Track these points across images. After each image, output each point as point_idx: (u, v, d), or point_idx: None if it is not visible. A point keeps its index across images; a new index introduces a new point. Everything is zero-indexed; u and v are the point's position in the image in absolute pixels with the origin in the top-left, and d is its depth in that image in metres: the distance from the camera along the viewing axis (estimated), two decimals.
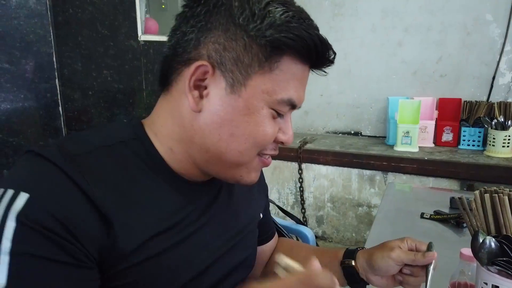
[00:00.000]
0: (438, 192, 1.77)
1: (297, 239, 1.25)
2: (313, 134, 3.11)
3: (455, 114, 2.60)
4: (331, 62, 0.60)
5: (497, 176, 2.13)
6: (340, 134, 3.07)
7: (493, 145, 2.34)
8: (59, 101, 1.45)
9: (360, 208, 2.58)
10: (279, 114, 0.59)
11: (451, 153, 2.44)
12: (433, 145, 2.63)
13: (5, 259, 0.45)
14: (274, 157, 0.66)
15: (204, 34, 0.55)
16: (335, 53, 0.59)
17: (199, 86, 0.57)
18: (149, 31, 1.89)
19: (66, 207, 0.49)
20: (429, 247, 0.71)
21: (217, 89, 0.56)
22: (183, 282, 0.61)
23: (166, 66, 0.60)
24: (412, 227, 1.24)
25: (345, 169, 2.56)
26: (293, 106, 0.60)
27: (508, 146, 2.31)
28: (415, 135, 2.48)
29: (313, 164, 2.65)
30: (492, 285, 0.66)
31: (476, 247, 0.68)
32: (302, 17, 0.55)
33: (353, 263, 0.76)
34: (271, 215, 0.97)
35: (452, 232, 1.19)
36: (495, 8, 2.48)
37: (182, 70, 0.58)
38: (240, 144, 0.58)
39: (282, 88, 0.57)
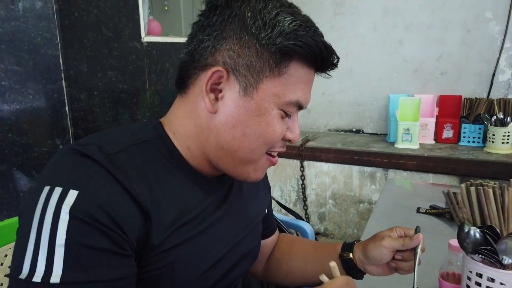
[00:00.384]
0: (436, 187, 1.80)
1: (297, 234, 1.29)
2: (315, 132, 3.14)
3: (455, 111, 2.61)
4: (335, 66, 0.65)
5: (496, 172, 2.15)
6: (342, 132, 3.10)
7: (492, 142, 2.36)
8: (66, 101, 1.50)
9: (361, 205, 2.61)
10: (287, 114, 0.64)
11: (451, 149, 2.46)
12: (433, 142, 2.65)
13: (61, 251, 0.50)
14: None
15: (219, 42, 0.60)
16: (338, 58, 0.65)
17: (215, 89, 0.62)
18: (152, 32, 1.92)
19: (113, 201, 0.54)
20: (416, 231, 0.75)
21: (231, 92, 0.61)
22: (200, 272, 0.65)
23: (183, 70, 0.65)
24: (408, 221, 1.27)
25: (346, 166, 2.59)
26: (300, 107, 0.65)
27: (507, 142, 2.33)
28: (416, 132, 2.50)
29: (315, 162, 2.68)
30: (476, 273, 0.70)
31: (461, 237, 0.72)
32: (309, 25, 0.60)
33: (351, 256, 0.80)
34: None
35: (446, 225, 1.23)
36: (495, 5, 2.50)
37: (199, 75, 0.63)
38: (251, 143, 0.63)
39: (291, 90, 0.62)
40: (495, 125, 2.34)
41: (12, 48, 1.38)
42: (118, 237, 0.53)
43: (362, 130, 3.04)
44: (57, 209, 0.51)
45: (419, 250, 0.72)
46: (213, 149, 0.65)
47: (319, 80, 0.70)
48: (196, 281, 0.65)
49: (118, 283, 0.54)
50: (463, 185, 0.75)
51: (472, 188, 0.73)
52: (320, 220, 2.78)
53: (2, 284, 0.83)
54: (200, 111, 0.63)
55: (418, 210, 1.33)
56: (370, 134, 3.00)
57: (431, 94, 2.71)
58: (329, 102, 3.07)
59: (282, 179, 2.82)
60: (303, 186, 2.74)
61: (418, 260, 0.72)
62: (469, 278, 0.71)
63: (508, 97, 2.49)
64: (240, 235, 0.75)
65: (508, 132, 2.31)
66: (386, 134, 2.88)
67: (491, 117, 2.37)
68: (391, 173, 2.47)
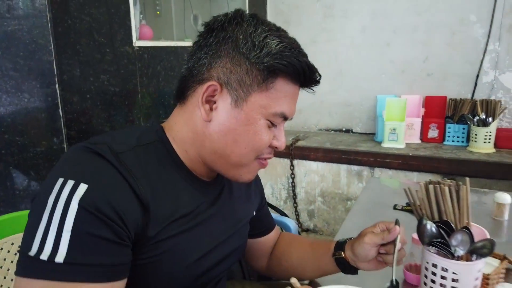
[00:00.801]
0: (417, 186, 1.85)
1: (282, 230, 1.35)
2: (306, 131, 3.21)
3: (440, 111, 2.68)
4: (317, 82, 0.74)
5: (477, 171, 2.22)
6: (332, 132, 3.17)
7: (475, 141, 2.43)
8: (59, 104, 1.56)
9: (349, 202, 2.68)
10: (273, 124, 0.73)
11: (435, 149, 2.53)
12: (419, 141, 2.72)
13: (67, 235, 0.57)
14: None
15: (215, 60, 0.69)
16: (320, 76, 0.73)
17: (210, 101, 0.70)
18: (144, 37, 1.97)
19: (118, 197, 0.61)
20: (396, 223, 0.80)
21: (224, 103, 0.69)
22: (188, 263, 0.73)
23: (183, 83, 0.74)
24: (384, 217, 1.29)
25: (335, 165, 2.66)
26: (285, 118, 0.73)
27: (489, 142, 2.40)
28: (401, 132, 2.57)
29: (304, 161, 2.75)
30: (432, 263, 0.77)
31: (420, 231, 0.78)
32: (294, 47, 0.68)
33: (343, 254, 0.87)
34: None
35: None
36: (479, 9, 2.56)
37: (196, 88, 0.71)
38: (241, 149, 0.71)
39: (276, 103, 0.70)
40: (478, 125, 2.41)
41: (8, 54, 1.44)
42: (119, 229, 0.60)
43: (352, 130, 3.10)
44: (68, 199, 0.58)
45: (398, 242, 0.76)
46: (208, 153, 0.73)
47: None
48: (184, 271, 0.73)
49: (114, 268, 0.61)
50: (422, 183, 0.81)
51: (431, 186, 0.80)
52: (309, 217, 2.85)
53: None
54: (196, 119, 0.72)
55: (394, 207, 1.40)
56: (359, 133, 3.07)
57: (417, 94, 2.78)
58: (320, 102, 3.13)
59: (273, 178, 2.88)
60: (293, 184, 2.80)
61: (400, 252, 0.77)
62: (426, 269, 0.77)
63: (491, 98, 2.56)
64: (227, 233, 0.82)
65: (490, 132, 2.38)
66: (374, 134, 2.94)
67: (474, 118, 2.44)
68: (377, 171, 2.54)
